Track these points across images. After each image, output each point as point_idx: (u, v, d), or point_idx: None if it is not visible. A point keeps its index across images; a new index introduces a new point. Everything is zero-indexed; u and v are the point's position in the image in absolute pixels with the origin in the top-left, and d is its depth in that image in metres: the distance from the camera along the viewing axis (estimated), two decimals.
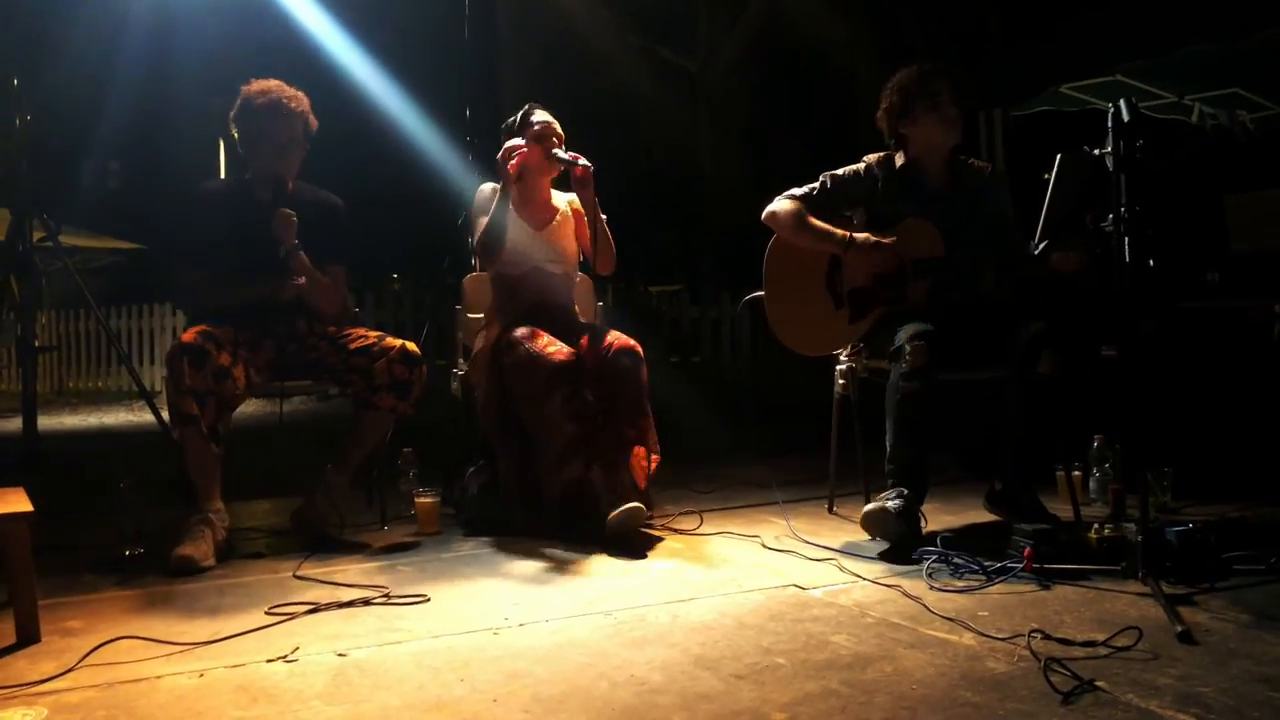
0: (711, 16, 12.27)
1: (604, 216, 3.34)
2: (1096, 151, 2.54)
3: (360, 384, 3.12)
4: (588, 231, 3.38)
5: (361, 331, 3.24)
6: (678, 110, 12.63)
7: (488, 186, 3.39)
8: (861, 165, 3.27)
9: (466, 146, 4.66)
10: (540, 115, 3.39)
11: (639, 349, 3.23)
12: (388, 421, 3.18)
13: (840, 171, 3.27)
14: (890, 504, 2.81)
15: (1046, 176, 2.91)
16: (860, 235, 3.13)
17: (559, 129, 3.39)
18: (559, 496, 3.07)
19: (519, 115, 3.41)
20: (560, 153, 3.29)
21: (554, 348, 3.08)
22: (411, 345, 3.16)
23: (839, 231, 3.15)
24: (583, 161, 3.24)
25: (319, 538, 3.06)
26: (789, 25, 11.23)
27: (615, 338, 3.24)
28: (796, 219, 3.21)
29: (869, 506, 2.81)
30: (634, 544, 2.93)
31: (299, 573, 2.68)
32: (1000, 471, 3.16)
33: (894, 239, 3.11)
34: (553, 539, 3.03)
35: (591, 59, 11.56)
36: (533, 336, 3.13)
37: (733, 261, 11.14)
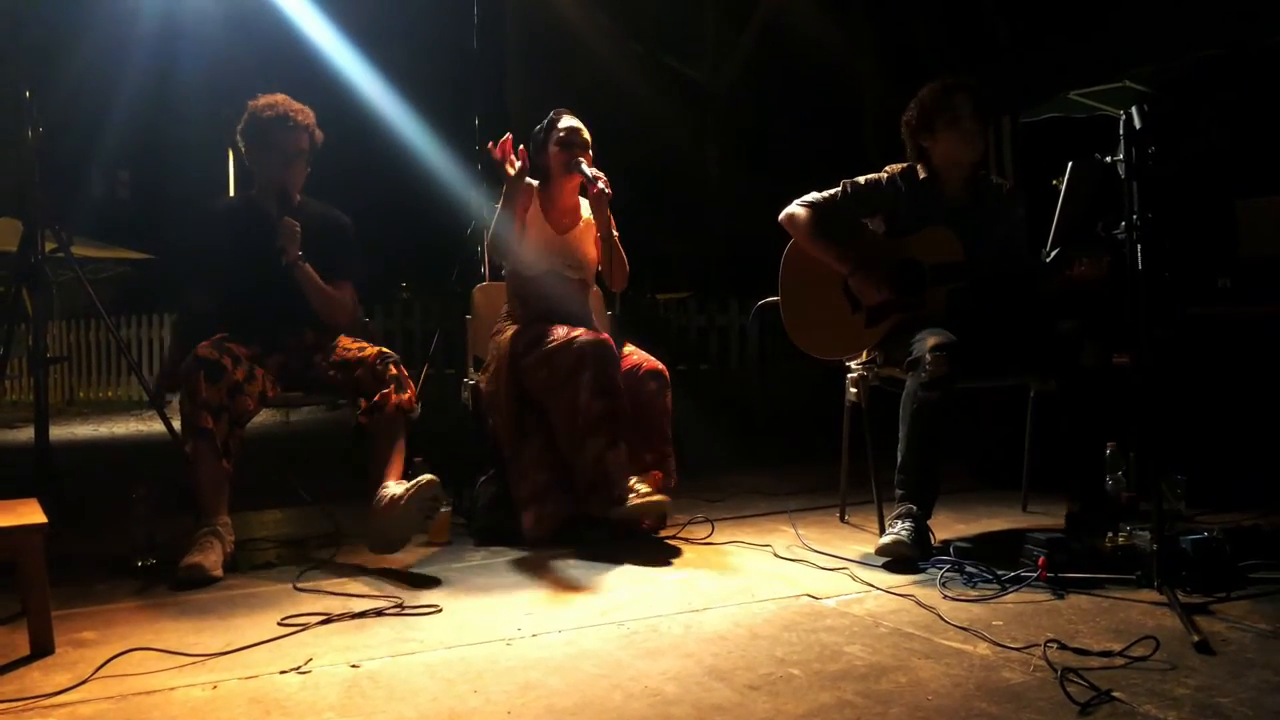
0: (718, 25, 12.29)
1: (617, 234, 3.35)
2: (1108, 159, 2.54)
3: (355, 396, 3.11)
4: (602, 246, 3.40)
5: (346, 343, 3.22)
6: (685, 118, 12.64)
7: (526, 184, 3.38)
8: (883, 175, 3.26)
9: (475, 155, 4.67)
10: (567, 121, 3.39)
11: (665, 372, 3.25)
12: (398, 419, 3.06)
13: (861, 180, 3.26)
14: (903, 533, 2.80)
15: (1055, 183, 2.90)
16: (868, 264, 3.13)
17: (586, 136, 3.39)
18: (585, 482, 3.07)
19: (546, 121, 3.41)
20: (585, 167, 3.27)
21: (578, 331, 3.13)
22: (385, 349, 3.15)
23: (849, 254, 3.15)
24: (602, 184, 3.21)
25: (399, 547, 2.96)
26: (796, 34, 11.23)
27: (643, 358, 3.26)
28: (811, 228, 3.21)
29: (883, 541, 2.80)
30: (639, 534, 2.98)
31: (309, 583, 2.68)
32: (1070, 489, 3.03)
33: (889, 290, 3.10)
34: (564, 549, 3.03)
35: (599, 68, 11.57)
36: (553, 329, 3.17)
37: (740, 269, 11.13)
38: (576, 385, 3.05)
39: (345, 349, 3.19)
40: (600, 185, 3.22)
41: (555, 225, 3.42)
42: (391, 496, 2.87)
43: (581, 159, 3.30)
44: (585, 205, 3.48)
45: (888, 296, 3.11)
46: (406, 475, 3.48)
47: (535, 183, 3.42)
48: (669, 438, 3.22)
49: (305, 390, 3.25)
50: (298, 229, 3.13)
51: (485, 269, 4.22)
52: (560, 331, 3.16)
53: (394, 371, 3.09)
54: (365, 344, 3.21)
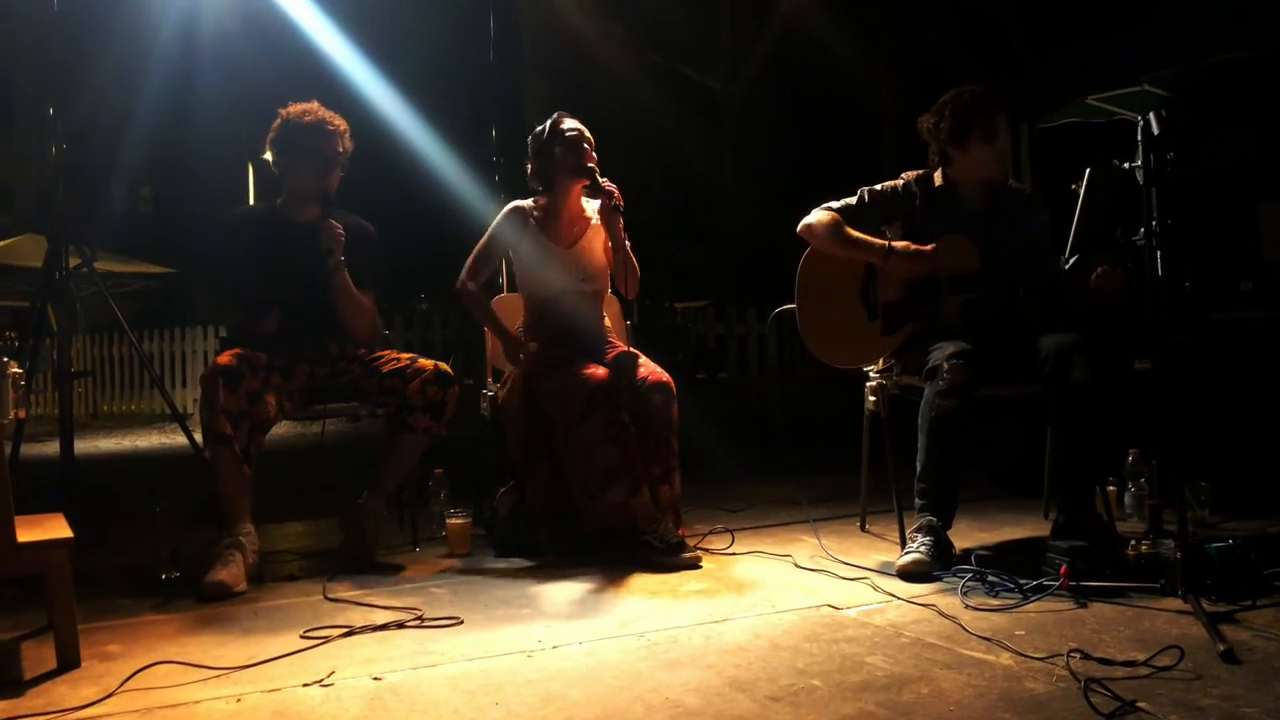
0: (733, 34, 12.31)
1: (629, 243, 3.33)
2: (1126, 165, 2.52)
3: (395, 406, 3.15)
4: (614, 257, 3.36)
5: (394, 354, 3.27)
6: (701, 127, 12.66)
7: (514, 210, 3.35)
8: (899, 182, 3.25)
9: (492, 166, 4.68)
10: (570, 122, 3.33)
11: (672, 384, 3.21)
12: (423, 443, 3.18)
13: (878, 187, 3.25)
14: (922, 550, 2.78)
15: (1075, 187, 2.89)
16: (900, 244, 3.11)
17: (590, 136, 3.34)
18: (599, 523, 3.05)
19: (548, 124, 3.34)
20: (600, 180, 3.23)
21: (590, 370, 3.09)
22: (444, 366, 3.19)
23: (878, 241, 3.14)
24: (616, 199, 3.20)
25: (366, 565, 3.07)
26: (811, 42, 11.23)
27: (649, 370, 3.22)
28: (834, 230, 3.19)
29: (902, 560, 2.78)
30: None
31: (331, 595, 2.70)
32: (1057, 500, 3.08)
33: (933, 247, 3.09)
34: (584, 561, 3.03)
35: (614, 78, 11.61)
36: (569, 361, 3.13)
37: (758, 277, 11.12)
38: (590, 429, 3.02)
39: (396, 358, 3.23)
40: (613, 200, 3.20)
41: (561, 240, 3.35)
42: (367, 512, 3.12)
43: (593, 166, 3.26)
44: (590, 206, 3.41)
45: (924, 276, 3.08)
46: (426, 488, 3.52)
47: (528, 203, 3.38)
48: (675, 450, 3.20)
49: (339, 399, 3.28)
50: (341, 231, 3.16)
51: (504, 280, 4.24)
52: (573, 366, 3.11)
53: (443, 398, 3.13)
54: (417, 357, 3.24)
